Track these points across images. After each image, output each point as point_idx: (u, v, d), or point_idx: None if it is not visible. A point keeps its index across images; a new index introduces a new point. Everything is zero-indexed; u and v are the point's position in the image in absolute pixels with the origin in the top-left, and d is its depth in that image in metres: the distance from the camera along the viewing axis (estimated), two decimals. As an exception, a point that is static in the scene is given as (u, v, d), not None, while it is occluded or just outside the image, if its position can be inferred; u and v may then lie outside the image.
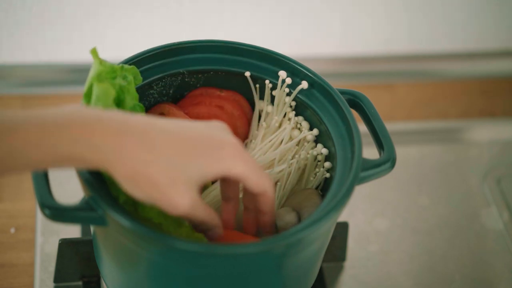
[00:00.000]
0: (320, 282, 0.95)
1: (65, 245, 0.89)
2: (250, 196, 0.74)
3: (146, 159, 0.64)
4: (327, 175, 0.81)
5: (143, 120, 0.66)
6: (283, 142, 0.82)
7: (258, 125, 0.85)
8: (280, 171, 0.82)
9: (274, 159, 0.82)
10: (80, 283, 0.92)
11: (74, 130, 0.63)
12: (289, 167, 0.81)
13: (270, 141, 0.83)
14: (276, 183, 0.82)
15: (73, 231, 0.97)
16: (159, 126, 0.66)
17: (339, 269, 0.98)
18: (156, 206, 0.69)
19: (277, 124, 0.83)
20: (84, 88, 0.73)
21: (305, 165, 0.83)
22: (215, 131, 0.69)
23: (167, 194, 0.66)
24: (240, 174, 0.68)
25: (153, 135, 0.65)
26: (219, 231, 0.73)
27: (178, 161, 0.66)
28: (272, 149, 0.82)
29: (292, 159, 0.82)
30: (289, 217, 0.78)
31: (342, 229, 0.96)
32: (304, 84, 0.81)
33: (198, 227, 0.72)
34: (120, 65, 0.76)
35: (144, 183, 0.65)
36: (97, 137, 0.63)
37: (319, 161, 0.83)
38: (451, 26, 1.28)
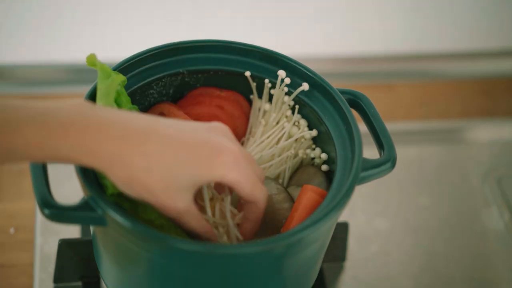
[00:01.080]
0: (320, 282, 0.95)
1: (65, 245, 0.89)
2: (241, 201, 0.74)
3: (142, 166, 0.65)
4: (324, 167, 0.82)
5: (144, 123, 0.66)
6: (281, 140, 0.82)
7: (256, 122, 0.85)
8: (278, 168, 0.82)
9: (273, 155, 0.82)
10: (80, 283, 0.92)
11: (74, 134, 0.63)
12: (286, 163, 0.82)
13: (268, 138, 0.83)
14: (277, 177, 0.82)
15: (73, 231, 0.97)
16: (160, 131, 0.66)
17: (339, 269, 0.98)
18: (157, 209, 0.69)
19: (274, 123, 0.83)
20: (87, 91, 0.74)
21: (301, 163, 0.84)
22: (215, 136, 0.69)
23: (160, 198, 0.67)
24: (233, 182, 0.68)
25: (153, 142, 0.66)
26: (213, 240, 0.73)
27: (174, 169, 0.66)
28: (269, 147, 0.82)
29: (288, 157, 0.82)
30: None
31: (342, 229, 0.95)
32: (305, 86, 0.81)
33: (191, 234, 0.72)
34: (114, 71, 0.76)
35: (138, 187, 0.66)
36: (96, 143, 0.64)
37: (317, 163, 0.83)
38: (451, 26, 1.28)
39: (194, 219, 0.70)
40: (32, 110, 0.63)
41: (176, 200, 0.67)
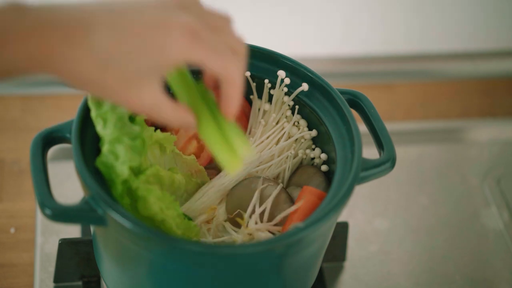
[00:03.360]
0: (320, 282, 0.95)
1: (65, 245, 0.89)
2: (214, 82, 0.68)
3: (91, 63, 0.60)
4: (324, 168, 0.82)
5: (83, 13, 0.60)
6: (281, 140, 0.83)
7: (256, 122, 0.85)
8: (277, 168, 0.82)
9: (272, 155, 0.82)
10: (80, 283, 0.92)
11: (12, 44, 0.58)
12: (285, 163, 0.82)
13: (267, 138, 0.83)
14: (277, 177, 0.82)
15: (73, 231, 0.97)
16: (102, 20, 0.60)
17: (339, 269, 0.98)
18: (158, 203, 0.69)
19: (274, 123, 0.83)
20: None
21: (301, 163, 0.84)
22: (165, 13, 0.61)
23: (121, 96, 0.62)
24: (198, 60, 0.61)
25: (96, 34, 0.59)
26: (188, 129, 0.67)
27: (125, 60, 0.60)
28: (270, 146, 0.82)
29: (288, 157, 0.82)
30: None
31: (342, 229, 0.96)
32: (305, 86, 0.81)
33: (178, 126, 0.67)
34: None
35: (94, 87, 0.61)
36: (37, 48, 0.59)
37: (317, 163, 0.83)
38: (451, 26, 1.28)
39: (165, 112, 0.64)
40: None
41: (139, 95, 0.62)
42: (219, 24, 0.64)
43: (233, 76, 0.64)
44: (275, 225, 0.78)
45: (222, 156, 0.68)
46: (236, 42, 0.64)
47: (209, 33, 0.62)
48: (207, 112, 0.69)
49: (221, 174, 0.82)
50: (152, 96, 0.62)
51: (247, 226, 0.77)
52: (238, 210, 0.80)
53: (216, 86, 0.69)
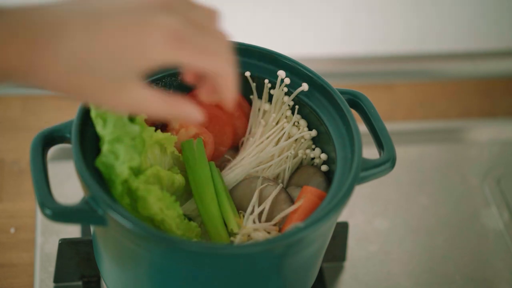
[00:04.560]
0: (320, 282, 0.95)
1: (65, 245, 0.89)
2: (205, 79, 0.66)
3: (69, 68, 0.57)
4: (324, 168, 0.82)
5: (57, 15, 0.58)
6: (281, 140, 0.83)
7: (256, 122, 0.85)
8: (277, 168, 0.82)
9: (272, 155, 0.82)
10: (80, 283, 0.92)
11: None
12: (285, 163, 0.82)
13: (267, 138, 0.83)
14: (277, 177, 0.82)
15: (73, 231, 0.97)
16: (77, 23, 0.57)
17: (339, 269, 0.98)
18: (158, 203, 0.69)
19: (274, 123, 0.83)
20: None
21: (301, 163, 0.84)
22: (143, 14, 0.59)
23: (104, 100, 0.60)
24: (184, 63, 0.60)
25: (71, 38, 0.57)
26: (194, 116, 0.64)
27: (103, 63, 0.58)
28: (270, 147, 0.82)
29: (288, 157, 0.82)
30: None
31: (342, 229, 0.96)
32: (305, 86, 0.81)
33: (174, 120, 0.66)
34: None
35: (74, 90, 0.59)
36: (12, 55, 0.57)
37: (317, 163, 0.83)
38: (451, 26, 1.28)
39: (154, 107, 0.62)
40: None
41: (120, 97, 0.60)
42: (204, 21, 0.62)
43: (223, 69, 0.62)
44: (274, 225, 0.78)
45: (212, 231, 0.77)
46: (221, 39, 0.62)
47: (193, 32, 0.60)
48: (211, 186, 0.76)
49: (221, 173, 0.82)
50: (134, 95, 0.60)
51: (244, 225, 0.77)
52: (239, 210, 0.80)
53: (200, 82, 0.68)
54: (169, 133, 0.79)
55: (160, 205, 0.72)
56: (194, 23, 0.60)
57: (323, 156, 0.82)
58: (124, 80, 0.59)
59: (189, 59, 0.60)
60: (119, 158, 0.71)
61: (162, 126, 0.83)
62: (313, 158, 0.84)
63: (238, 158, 0.83)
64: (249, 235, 0.77)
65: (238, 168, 0.82)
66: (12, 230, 0.99)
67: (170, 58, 0.59)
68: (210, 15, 0.63)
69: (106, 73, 0.58)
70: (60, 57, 0.57)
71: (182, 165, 0.81)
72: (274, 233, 0.77)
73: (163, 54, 0.59)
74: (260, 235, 0.76)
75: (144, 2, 0.60)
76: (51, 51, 0.57)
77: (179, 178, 0.79)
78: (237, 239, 0.76)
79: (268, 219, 0.79)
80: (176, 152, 0.80)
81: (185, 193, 0.81)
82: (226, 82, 0.63)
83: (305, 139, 0.83)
